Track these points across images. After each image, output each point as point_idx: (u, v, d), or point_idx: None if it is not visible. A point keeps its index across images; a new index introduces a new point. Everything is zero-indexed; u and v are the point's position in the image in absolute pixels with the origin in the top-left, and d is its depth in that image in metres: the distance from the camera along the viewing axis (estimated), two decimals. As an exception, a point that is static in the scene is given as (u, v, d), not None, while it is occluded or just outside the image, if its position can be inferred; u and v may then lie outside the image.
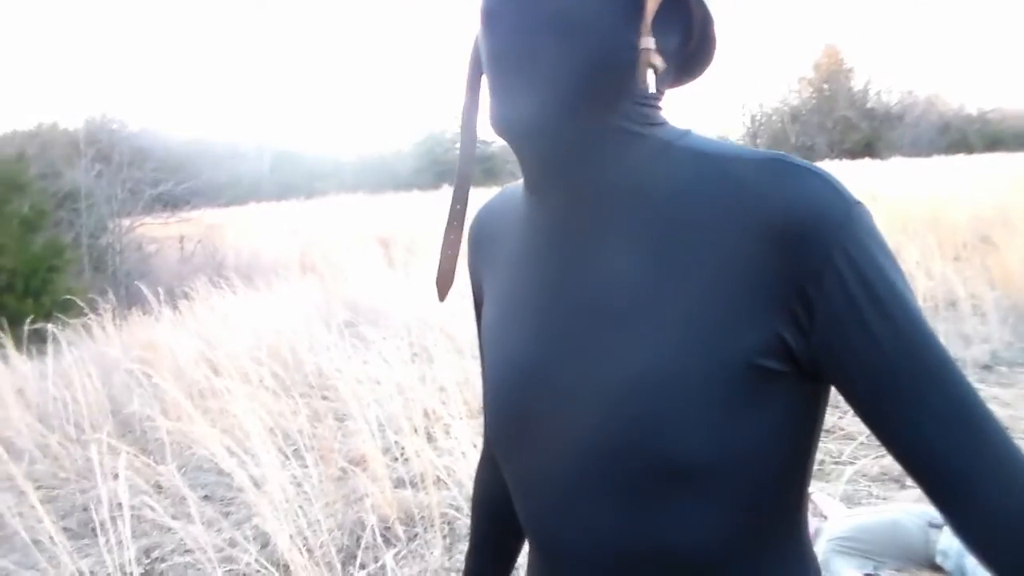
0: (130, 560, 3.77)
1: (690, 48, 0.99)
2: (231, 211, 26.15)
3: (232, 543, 4.15)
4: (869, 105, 56.50)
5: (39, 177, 15.73)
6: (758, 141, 54.84)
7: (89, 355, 8.17)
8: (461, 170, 1.06)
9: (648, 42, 0.90)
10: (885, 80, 64.69)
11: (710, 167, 0.90)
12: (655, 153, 0.93)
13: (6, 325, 8.83)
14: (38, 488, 5.39)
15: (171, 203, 19.40)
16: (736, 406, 0.87)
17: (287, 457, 4.79)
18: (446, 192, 34.63)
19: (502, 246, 1.09)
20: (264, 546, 4.19)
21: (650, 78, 0.91)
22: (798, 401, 0.90)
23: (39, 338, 8.70)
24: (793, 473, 0.93)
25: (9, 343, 8.25)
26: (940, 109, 56.21)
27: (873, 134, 52.17)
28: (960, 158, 31.73)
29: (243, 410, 4.75)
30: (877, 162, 32.56)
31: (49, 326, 8.41)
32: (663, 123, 0.96)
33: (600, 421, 0.91)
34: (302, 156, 59.48)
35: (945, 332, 6.69)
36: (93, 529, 4.17)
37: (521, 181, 1.07)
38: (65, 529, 4.51)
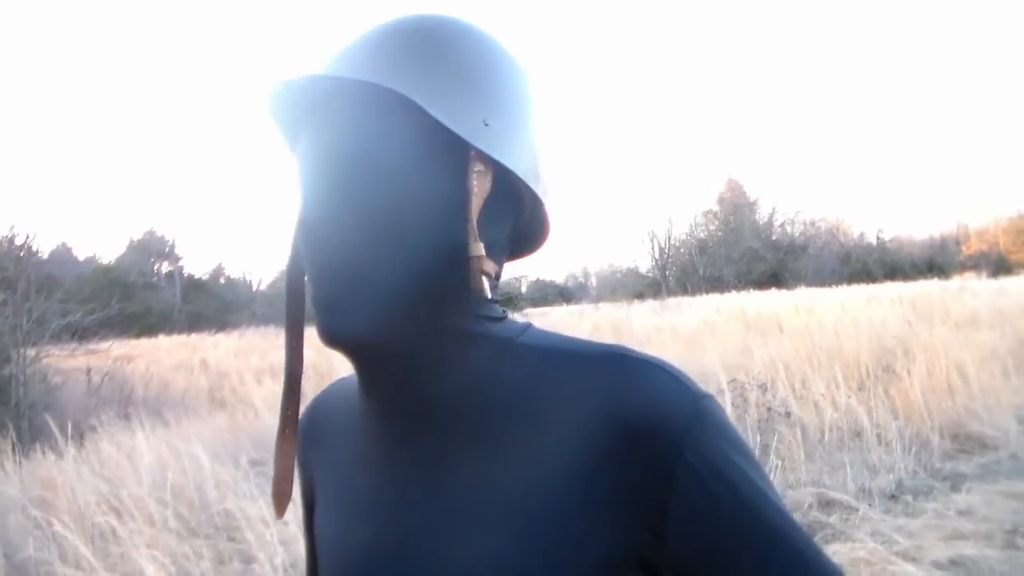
0: None
1: (520, 228, 0.99)
2: (141, 342, 25.71)
3: None
4: (774, 237, 58.10)
5: (-60, 307, 15.33)
6: (668, 273, 55.87)
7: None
8: (290, 373, 0.99)
9: (478, 248, 0.87)
10: (788, 211, 66.64)
11: (552, 365, 0.88)
12: (495, 353, 0.91)
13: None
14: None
15: (79, 333, 18.96)
16: None
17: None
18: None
19: (336, 444, 1.03)
20: None
21: (484, 282, 0.88)
22: None
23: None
24: None
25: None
26: (841, 239, 58.05)
27: (779, 264, 53.49)
28: (861, 287, 32.56)
29: (143, 557, 4.61)
30: (784, 292, 33.26)
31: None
32: (502, 318, 0.95)
33: None
34: (214, 286, 58.84)
35: (851, 462, 6.79)
36: None
37: (352, 376, 1.03)
38: None
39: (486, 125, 0.87)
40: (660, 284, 53.39)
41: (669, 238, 58.79)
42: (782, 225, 60.23)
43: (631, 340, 16.23)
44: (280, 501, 1.01)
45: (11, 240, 19.08)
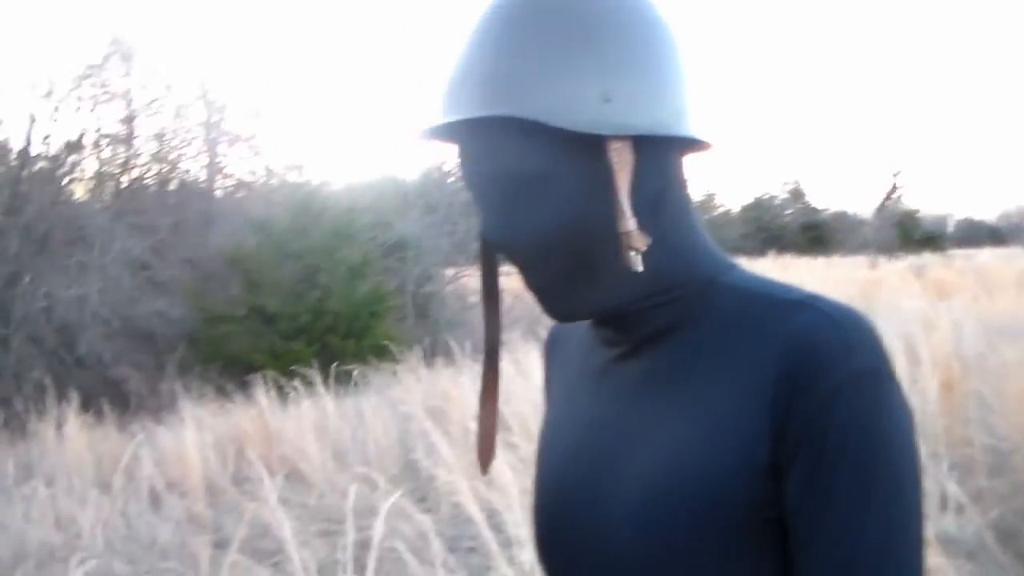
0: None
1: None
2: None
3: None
4: None
5: (371, 226, 16.80)
6: None
7: (392, 399, 8.63)
8: (489, 344, 1.08)
9: (625, 224, 0.90)
10: None
11: (746, 305, 0.93)
12: (698, 293, 0.96)
13: (321, 365, 9.48)
14: (324, 521, 5.75)
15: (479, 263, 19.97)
16: (739, 552, 0.88)
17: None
18: (771, 260, 33.81)
19: (567, 361, 1.14)
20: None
21: (634, 257, 0.91)
22: None
23: (352, 378, 9.28)
24: None
25: (319, 381, 8.84)
26: None
27: None
28: None
29: (503, 464, 4.85)
30: None
31: (355, 369, 8.97)
32: (710, 256, 0.99)
33: (613, 552, 0.95)
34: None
35: None
36: (363, 566, 4.36)
37: None
38: (336, 563, 4.74)
39: (608, 101, 0.88)
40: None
41: None
42: None
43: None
44: (483, 459, 1.11)
45: (438, 168, 20.45)
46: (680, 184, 0.98)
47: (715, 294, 0.96)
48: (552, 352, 1.20)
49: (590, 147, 0.89)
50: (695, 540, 0.88)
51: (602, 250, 0.92)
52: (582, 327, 1.10)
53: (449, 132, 0.96)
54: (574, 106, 0.87)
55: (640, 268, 0.90)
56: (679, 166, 0.99)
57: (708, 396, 0.91)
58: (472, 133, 0.93)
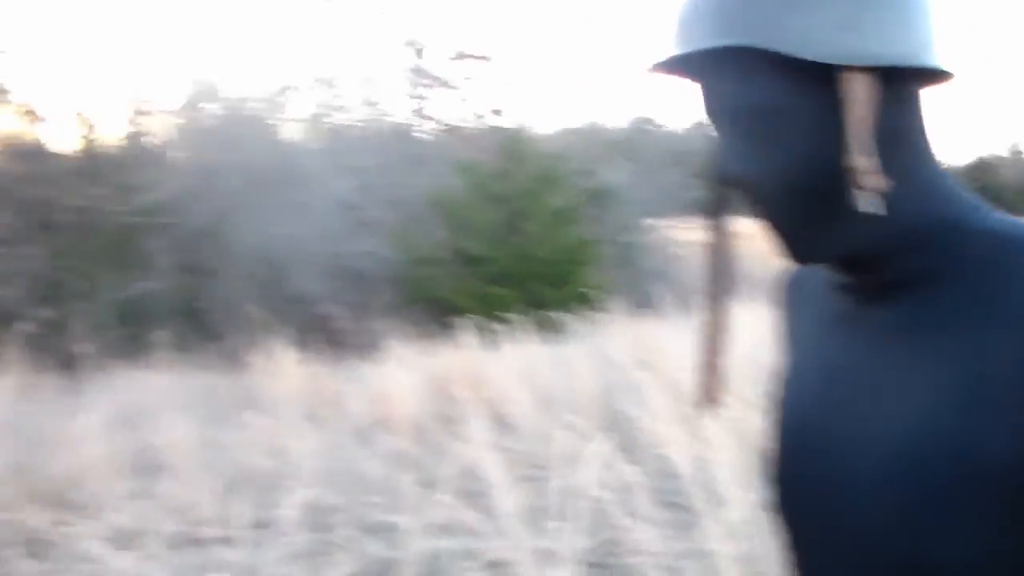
0: (582, 550, 3.85)
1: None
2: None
3: (680, 556, 4.10)
4: None
5: (577, 173, 16.79)
6: None
7: (596, 348, 8.57)
8: (717, 273, 1.03)
9: (853, 161, 0.85)
10: None
11: (1004, 253, 0.86)
12: (946, 237, 0.90)
13: (524, 310, 9.52)
14: (528, 466, 5.73)
15: (709, 208, 20.03)
16: (988, 517, 0.82)
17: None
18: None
19: (808, 306, 1.09)
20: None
21: (862, 196, 0.86)
22: None
23: (554, 325, 9.27)
24: None
25: (522, 326, 8.86)
26: None
27: None
28: None
29: (711, 424, 4.70)
30: None
31: (562, 315, 8.95)
32: (957, 197, 0.93)
33: (853, 503, 0.91)
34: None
35: None
36: (565, 514, 4.31)
37: None
38: (536, 509, 4.70)
39: (849, 30, 0.85)
40: None
41: None
42: None
43: None
44: (709, 399, 1.05)
45: (645, 118, 20.29)
46: (922, 120, 0.93)
47: (967, 239, 0.89)
48: (790, 297, 1.16)
49: (829, 78, 0.86)
50: (943, 502, 0.83)
51: (842, 189, 0.88)
52: (819, 271, 1.06)
53: (684, 65, 0.94)
54: (813, 35, 0.84)
55: (874, 209, 0.87)
56: (919, 101, 0.93)
57: (963, 351, 0.84)
58: (707, 65, 0.92)
